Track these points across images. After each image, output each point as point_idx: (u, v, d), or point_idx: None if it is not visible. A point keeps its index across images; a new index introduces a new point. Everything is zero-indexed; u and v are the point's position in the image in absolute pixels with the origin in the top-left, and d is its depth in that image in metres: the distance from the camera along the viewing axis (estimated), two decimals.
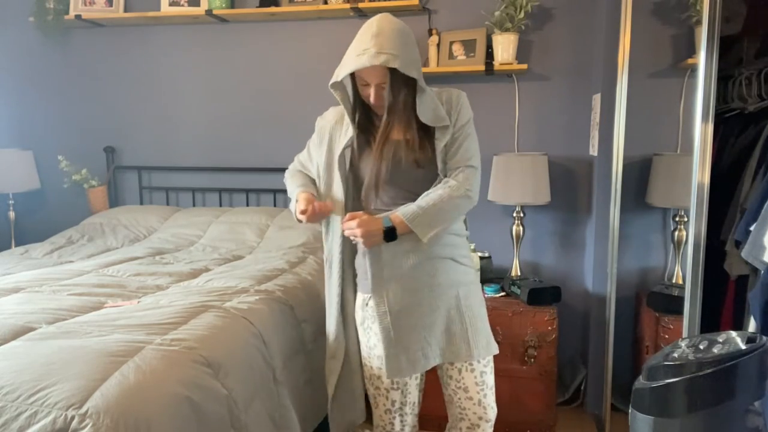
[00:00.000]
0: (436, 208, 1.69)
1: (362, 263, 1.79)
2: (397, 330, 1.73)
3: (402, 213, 1.69)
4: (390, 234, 1.69)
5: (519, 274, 2.88)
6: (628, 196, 2.67)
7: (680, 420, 0.94)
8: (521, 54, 2.90)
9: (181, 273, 2.37)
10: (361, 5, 2.98)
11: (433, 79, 2.95)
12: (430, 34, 2.98)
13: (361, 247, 1.77)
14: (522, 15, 2.76)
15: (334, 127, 1.84)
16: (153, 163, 3.47)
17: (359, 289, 1.82)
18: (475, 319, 1.78)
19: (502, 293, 2.77)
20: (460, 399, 1.83)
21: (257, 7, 3.12)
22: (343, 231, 1.75)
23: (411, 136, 1.72)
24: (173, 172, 3.46)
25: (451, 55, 2.96)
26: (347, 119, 1.77)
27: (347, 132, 1.78)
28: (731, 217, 2.14)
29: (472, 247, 2.77)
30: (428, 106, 1.69)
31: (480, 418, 1.82)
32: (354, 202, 1.84)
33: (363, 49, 1.62)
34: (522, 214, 2.86)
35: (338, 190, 1.81)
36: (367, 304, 1.78)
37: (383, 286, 1.74)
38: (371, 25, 1.67)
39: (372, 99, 1.69)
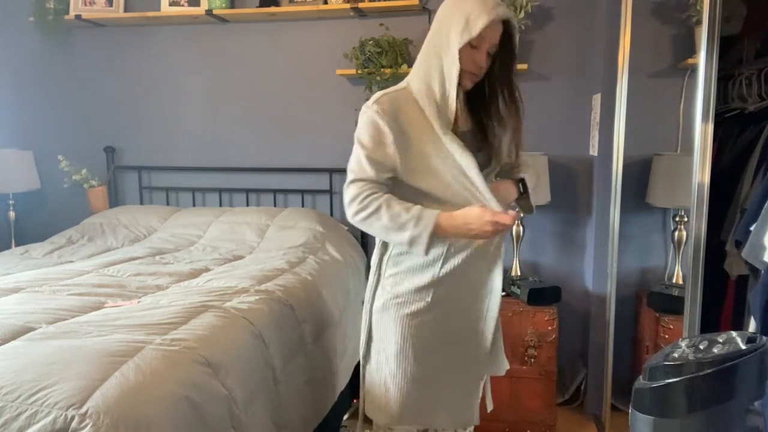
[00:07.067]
0: (533, 185, 1.75)
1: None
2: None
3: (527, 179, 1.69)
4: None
5: (519, 274, 2.88)
6: (628, 196, 2.67)
7: (680, 420, 0.94)
8: (521, 54, 2.90)
9: (181, 273, 2.36)
10: (361, 5, 2.98)
11: None
12: None
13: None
14: (522, 15, 2.76)
15: (407, 119, 1.52)
16: (153, 163, 3.47)
17: (416, 281, 1.63)
18: None
19: (502, 293, 2.76)
20: None
21: (257, 7, 3.12)
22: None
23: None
24: (173, 172, 3.46)
25: None
26: (441, 102, 1.50)
27: (444, 117, 1.51)
28: (731, 217, 2.14)
29: None
30: None
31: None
32: None
33: (495, 3, 1.43)
34: (522, 214, 2.85)
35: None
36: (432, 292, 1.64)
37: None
38: None
39: (484, 63, 1.55)
